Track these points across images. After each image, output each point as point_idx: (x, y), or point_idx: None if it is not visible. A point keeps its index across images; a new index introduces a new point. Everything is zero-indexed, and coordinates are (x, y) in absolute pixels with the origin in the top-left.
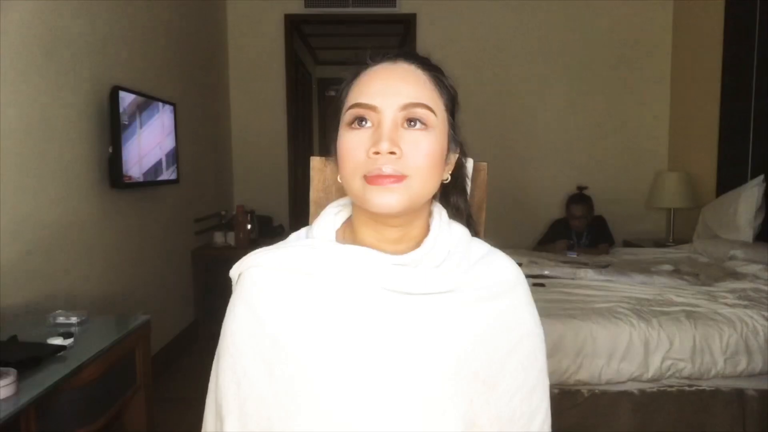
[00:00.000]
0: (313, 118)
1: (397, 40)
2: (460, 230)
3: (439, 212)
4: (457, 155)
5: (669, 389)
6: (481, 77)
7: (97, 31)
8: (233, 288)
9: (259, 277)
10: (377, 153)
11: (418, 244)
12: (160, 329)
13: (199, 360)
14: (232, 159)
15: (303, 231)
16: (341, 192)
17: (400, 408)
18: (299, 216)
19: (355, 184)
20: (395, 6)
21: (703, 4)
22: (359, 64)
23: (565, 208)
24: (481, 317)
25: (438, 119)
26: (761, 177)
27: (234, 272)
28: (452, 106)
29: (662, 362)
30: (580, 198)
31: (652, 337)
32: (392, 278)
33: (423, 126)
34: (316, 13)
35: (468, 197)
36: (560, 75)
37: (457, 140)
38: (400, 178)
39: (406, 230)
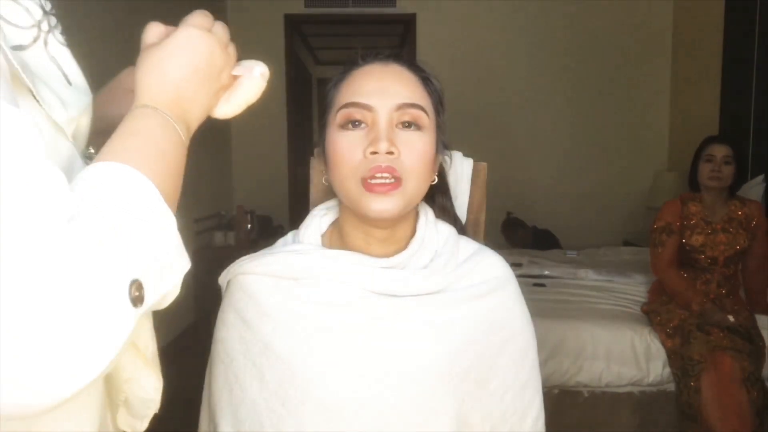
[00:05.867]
0: (313, 118)
1: (397, 40)
2: (446, 230)
3: (425, 213)
4: (443, 156)
5: (669, 389)
6: (481, 77)
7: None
8: (222, 295)
9: (247, 284)
10: (375, 153)
11: (405, 244)
12: (160, 329)
13: (199, 360)
14: (232, 159)
15: (290, 236)
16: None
17: (392, 410)
18: (299, 216)
19: (351, 187)
20: (395, 6)
21: (703, 3)
22: (349, 63)
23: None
24: (470, 316)
25: (429, 120)
26: (761, 177)
27: (222, 280)
28: (440, 108)
29: (663, 368)
30: (513, 224)
31: (653, 342)
32: (379, 281)
33: (417, 127)
34: (315, 13)
35: (469, 198)
36: (560, 75)
37: (443, 141)
38: (395, 185)
39: (393, 231)
